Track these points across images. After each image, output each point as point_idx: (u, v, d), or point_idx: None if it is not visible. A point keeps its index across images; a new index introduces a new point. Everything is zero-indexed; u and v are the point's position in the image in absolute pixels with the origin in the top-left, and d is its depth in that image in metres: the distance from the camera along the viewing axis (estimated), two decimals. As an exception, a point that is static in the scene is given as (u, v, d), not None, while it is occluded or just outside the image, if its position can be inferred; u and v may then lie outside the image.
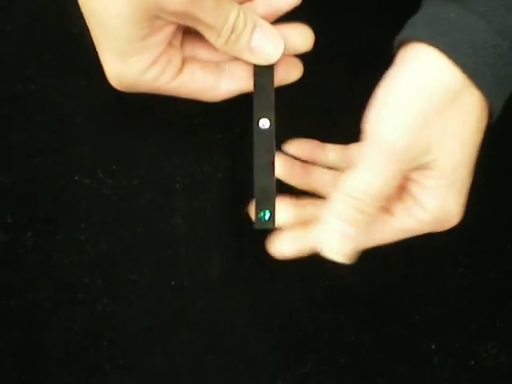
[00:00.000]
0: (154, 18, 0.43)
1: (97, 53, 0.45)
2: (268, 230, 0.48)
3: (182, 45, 0.48)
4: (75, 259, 0.53)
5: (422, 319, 0.53)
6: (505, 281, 0.55)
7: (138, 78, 0.45)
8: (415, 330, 0.53)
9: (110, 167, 0.54)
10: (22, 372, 0.51)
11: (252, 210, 0.47)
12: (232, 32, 0.44)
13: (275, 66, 0.48)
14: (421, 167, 0.42)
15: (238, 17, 0.44)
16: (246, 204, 0.51)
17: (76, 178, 0.54)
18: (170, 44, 0.46)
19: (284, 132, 0.50)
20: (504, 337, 0.53)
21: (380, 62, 0.48)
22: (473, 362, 0.53)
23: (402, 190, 0.45)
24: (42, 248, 0.52)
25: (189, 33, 0.47)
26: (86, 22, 0.44)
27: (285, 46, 0.47)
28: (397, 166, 0.41)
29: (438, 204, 0.43)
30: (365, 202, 0.42)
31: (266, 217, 0.47)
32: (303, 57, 0.51)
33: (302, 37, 0.48)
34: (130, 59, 0.44)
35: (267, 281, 0.53)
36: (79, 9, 0.44)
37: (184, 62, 0.47)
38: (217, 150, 0.53)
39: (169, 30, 0.45)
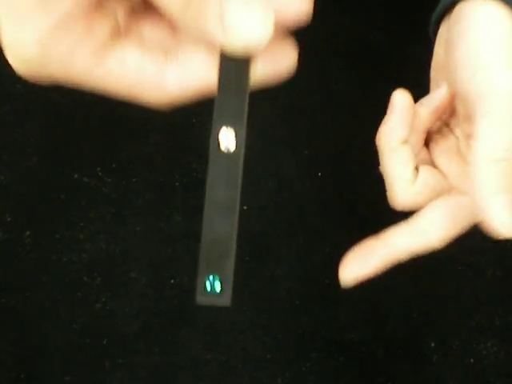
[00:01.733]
0: None
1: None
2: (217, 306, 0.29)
3: (125, 13, 0.32)
4: (74, 258, 0.52)
5: (421, 317, 0.53)
6: (504, 279, 0.54)
7: (37, 51, 0.30)
8: (414, 329, 0.53)
9: (109, 166, 0.54)
10: (21, 370, 0.51)
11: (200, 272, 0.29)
12: None
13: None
14: None
15: None
16: (245, 202, 0.51)
17: (75, 176, 0.54)
18: (99, 4, 0.31)
19: (280, 129, 0.50)
20: (503, 335, 0.53)
21: (378, 58, 0.48)
22: (472, 360, 0.53)
23: None
24: (41, 247, 0.52)
25: None
26: None
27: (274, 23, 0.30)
28: None
29: None
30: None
31: (216, 286, 0.29)
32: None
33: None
34: (27, 19, 0.30)
35: (267, 279, 0.53)
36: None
37: (115, 35, 0.31)
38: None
39: None
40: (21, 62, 0.31)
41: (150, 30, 0.32)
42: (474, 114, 0.39)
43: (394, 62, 0.54)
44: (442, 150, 0.44)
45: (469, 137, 0.41)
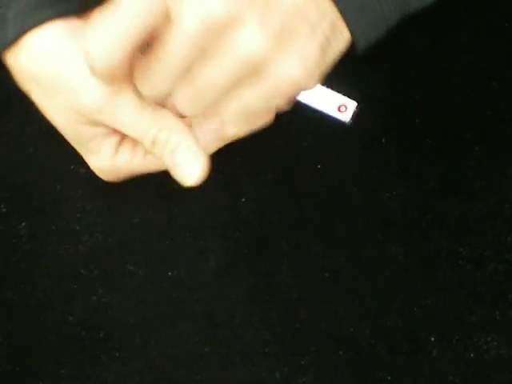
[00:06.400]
0: (90, 121, 0.44)
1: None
2: None
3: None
4: (71, 249, 0.52)
5: (422, 312, 0.53)
6: (505, 273, 0.54)
7: (112, 166, 0.47)
8: (414, 323, 0.53)
9: (106, 157, 0.54)
10: (16, 363, 0.50)
11: None
12: (154, 145, 0.44)
13: None
14: None
15: (160, 131, 0.43)
16: (244, 194, 0.51)
17: (72, 167, 0.53)
18: (111, 132, 0.46)
19: (279, 121, 0.50)
20: (504, 329, 0.53)
21: (381, 57, 0.48)
22: (473, 355, 0.52)
23: None
24: (37, 238, 0.52)
25: None
26: None
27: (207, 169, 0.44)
28: None
29: None
30: None
31: None
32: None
33: None
34: (98, 153, 0.46)
35: (265, 272, 0.53)
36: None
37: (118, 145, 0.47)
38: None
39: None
40: (104, 175, 0.48)
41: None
42: None
43: (397, 57, 0.53)
44: None
45: None
